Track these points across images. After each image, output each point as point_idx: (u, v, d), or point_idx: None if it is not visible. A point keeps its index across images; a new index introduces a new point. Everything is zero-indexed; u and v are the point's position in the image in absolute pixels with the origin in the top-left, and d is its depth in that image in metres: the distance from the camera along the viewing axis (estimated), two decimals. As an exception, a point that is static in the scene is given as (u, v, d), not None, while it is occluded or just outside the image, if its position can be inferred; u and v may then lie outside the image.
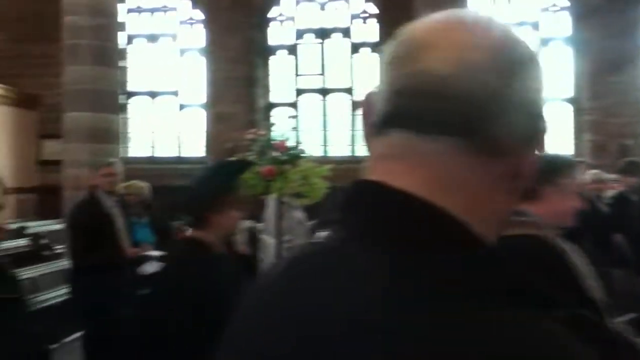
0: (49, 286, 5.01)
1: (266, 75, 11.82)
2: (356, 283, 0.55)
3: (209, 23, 11.78)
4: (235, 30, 11.38)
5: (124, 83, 8.14)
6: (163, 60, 12.15)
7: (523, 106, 0.59)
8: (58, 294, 4.65)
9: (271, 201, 5.38)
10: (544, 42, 10.99)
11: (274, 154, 3.70)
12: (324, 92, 11.77)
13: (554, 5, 11.14)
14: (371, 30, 11.70)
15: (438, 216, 0.56)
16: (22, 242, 6.21)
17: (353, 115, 11.67)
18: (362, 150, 11.55)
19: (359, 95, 11.70)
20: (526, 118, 0.59)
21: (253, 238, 5.26)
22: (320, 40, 11.84)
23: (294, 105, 11.77)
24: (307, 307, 0.56)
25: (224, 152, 11.08)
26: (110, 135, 7.52)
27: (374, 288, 0.54)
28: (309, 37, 11.92)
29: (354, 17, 11.73)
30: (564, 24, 11.07)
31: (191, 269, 1.91)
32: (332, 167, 3.68)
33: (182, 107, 12.17)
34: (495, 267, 0.55)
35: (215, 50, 11.57)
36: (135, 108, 12.01)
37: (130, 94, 11.90)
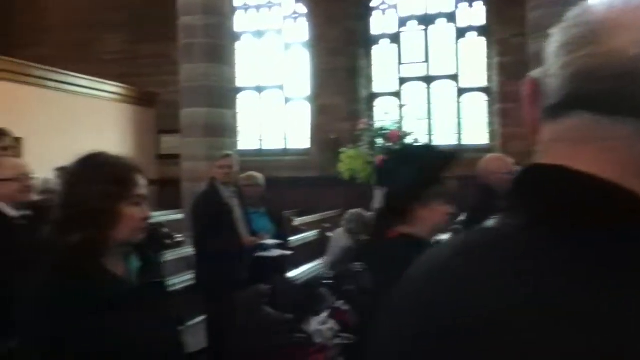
0: (172, 272, 5.34)
1: (369, 65, 11.80)
2: (548, 269, 0.53)
3: (312, 16, 11.95)
4: (337, 21, 11.46)
5: (233, 79, 8.48)
6: (269, 55, 12.51)
7: None
8: (181, 279, 4.93)
9: (380, 191, 5.38)
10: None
11: (387, 143, 3.66)
12: (428, 79, 11.54)
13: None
14: (478, 14, 11.29)
15: (633, 201, 0.53)
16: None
17: (459, 102, 11.35)
18: (469, 139, 11.22)
19: (466, 82, 11.35)
20: None
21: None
22: (424, 27, 11.61)
23: (397, 94, 11.66)
24: (493, 292, 0.55)
25: (327, 143, 11.25)
26: (224, 129, 7.87)
27: (572, 274, 0.52)
28: (412, 25, 11.73)
29: (459, 0, 11.37)
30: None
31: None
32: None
33: (287, 100, 12.47)
34: None
35: (318, 43, 11.73)
36: (243, 103, 12.48)
37: (238, 90, 12.38)
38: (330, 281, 4.64)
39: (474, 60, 11.30)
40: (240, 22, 12.37)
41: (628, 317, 0.49)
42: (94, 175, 1.45)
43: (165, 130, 11.92)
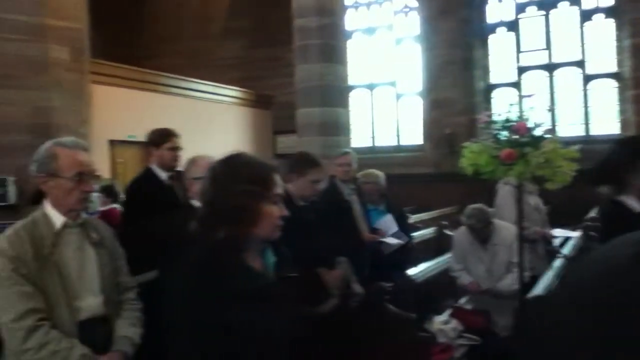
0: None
1: (485, 55, 11.35)
2: None
3: (423, 9, 11.72)
4: (450, 12, 11.14)
5: (346, 78, 8.57)
6: (380, 52, 12.47)
7: None
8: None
9: (504, 186, 5.15)
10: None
11: (513, 136, 3.48)
12: (551, 67, 10.87)
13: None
14: (605, -7, 10.46)
15: None
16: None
17: (585, 90, 10.58)
18: (598, 129, 10.42)
19: (593, 68, 10.56)
20: None
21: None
22: (544, 12, 10.95)
23: (516, 84, 11.11)
24: None
25: (442, 139, 10.99)
26: (339, 127, 7.97)
27: None
28: (532, 10, 11.11)
29: (583, -19, 10.61)
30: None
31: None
32: (579, 147, 3.34)
33: (399, 96, 12.36)
34: None
35: (430, 36, 11.48)
36: (355, 100, 12.55)
37: (350, 88, 12.46)
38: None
39: (602, 44, 10.47)
40: (351, 20, 12.45)
41: None
42: (237, 175, 1.52)
43: (281, 131, 12.31)
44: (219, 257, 1.48)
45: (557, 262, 4.49)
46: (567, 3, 10.78)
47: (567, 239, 5.79)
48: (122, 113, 9.45)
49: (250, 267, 1.54)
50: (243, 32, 13.35)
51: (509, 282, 4.15)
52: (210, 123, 11.05)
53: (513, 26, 11.22)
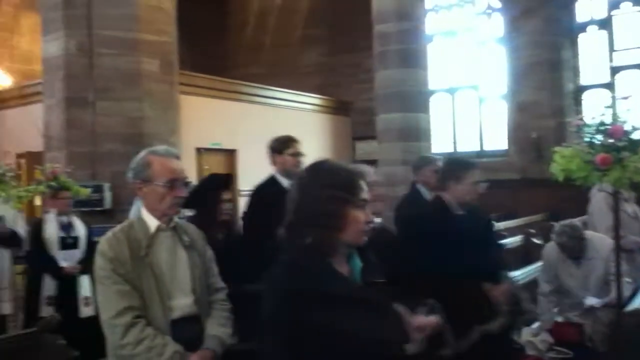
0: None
1: (574, 55, 10.81)
2: None
3: (507, 9, 11.36)
4: (536, 12, 10.72)
5: (426, 82, 8.46)
6: (461, 55, 12.19)
7: None
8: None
9: (598, 193, 4.87)
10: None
11: (608, 140, 3.28)
12: (648, 66, 10.20)
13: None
14: None
15: None
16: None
17: (689, 89, 9.83)
18: None
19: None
20: None
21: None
22: (640, 8, 10.31)
23: (609, 85, 10.50)
24: None
25: (528, 143, 10.57)
26: (420, 133, 7.87)
27: None
28: (626, 6, 10.47)
29: (685, -28, 9.88)
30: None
31: None
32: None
33: (481, 100, 12.02)
34: None
35: (514, 37, 11.10)
36: (435, 105, 12.33)
37: (430, 92, 12.28)
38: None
39: None
40: (431, 23, 12.27)
41: None
42: (324, 181, 1.54)
43: (360, 137, 12.33)
44: (307, 263, 1.50)
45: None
46: (667, -3, 10.09)
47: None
48: (208, 122, 9.83)
49: (338, 272, 1.55)
50: (322, 40, 13.53)
51: (606, 294, 3.92)
52: (291, 130, 11.05)
53: (605, 24, 10.62)
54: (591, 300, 3.99)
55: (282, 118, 11.22)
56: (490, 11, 11.93)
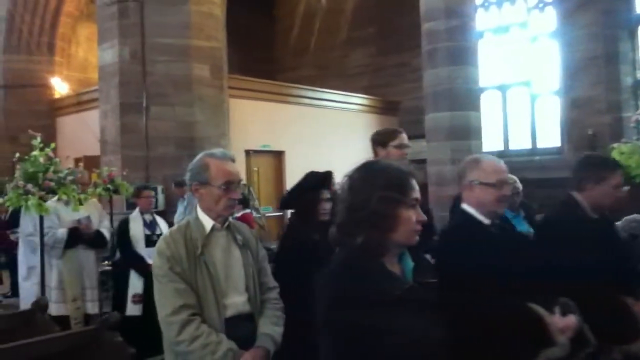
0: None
1: (633, 49, 10.37)
2: None
3: (560, 3, 11.00)
4: (590, 4, 10.33)
5: (476, 80, 8.30)
6: (512, 51, 11.90)
7: None
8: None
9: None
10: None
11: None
12: None
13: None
14: None
15: None
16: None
17: None
18: None
19: None
20: None
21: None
22: None
23: (671, 78, 10.03)
24: None
25: (583, 140, 10.21)
26: (470, 131, 7.74)
27: None
28: (688, -5, 9.99)
29: None
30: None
31: None
32: None
33: (533, 97, 11.70)
34: None
35: (568, 31, 10.73)
36: (485, 103, 12.08)
37: (481, 90, 12.04)
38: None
39: None
40: (481, 20, 12.02)
41: None
42: (375, 181, 1.54)
43: (407, 137, 12.20)
44: (359, 263, 1.50)
45: None
46: None
47: None
48: (256, 124, 9.97)
49: (390, 272, 1.55)
50: (369, 40, 13.49)
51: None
52: (339, 131, 11.27)
53: (666, 14, 10.15)
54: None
55: (329, 119, 11.25)
56: (542, 5, 11.59)
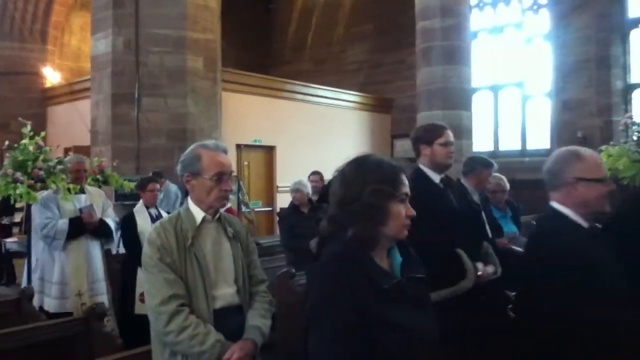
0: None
1: (625, 53, 10.45)
2: None
3: (555, 5, 11.06)
4: (584, 8, 10.40)
5: (470, 79, 8.34)
6: (505, 52, 11.96)
7: None
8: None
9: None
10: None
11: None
12: None
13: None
14: None
15: None
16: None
17: None
18: None
19: None
20: None
21: None
22: (697, 3, 9.88)
23: (661, 83, 10.11)
24: None
25: (573, 142, 10.28)
26: (461, 131, 7.77)
27: None
28: (681, 1, 10.07)
29: None
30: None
31: None
32: None
33: (525, 98, 11.76)
34: None
35: (562, 33, 10.80)
36: (477, 103, 12.13)
37: (473, 90, 12.08)
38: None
39: None
40: (476, 20, 12.06)
41: None
42: (368, 175, 1.55)
43: (399, 135, 12.24)
44: (349, 255, 1.52)
45: None
46: None
47: None
48: (249, 118, 9.95)
49: (380, 266, 1.56)
50: (366, 37, 13.50)
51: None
52: (332, 127, 11.28)
53: (659, 19, 10.23)
54: None
55: (322, 115, 11.25)
56: (536, 7, 11.65)
